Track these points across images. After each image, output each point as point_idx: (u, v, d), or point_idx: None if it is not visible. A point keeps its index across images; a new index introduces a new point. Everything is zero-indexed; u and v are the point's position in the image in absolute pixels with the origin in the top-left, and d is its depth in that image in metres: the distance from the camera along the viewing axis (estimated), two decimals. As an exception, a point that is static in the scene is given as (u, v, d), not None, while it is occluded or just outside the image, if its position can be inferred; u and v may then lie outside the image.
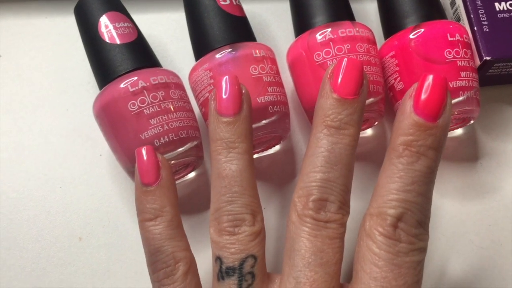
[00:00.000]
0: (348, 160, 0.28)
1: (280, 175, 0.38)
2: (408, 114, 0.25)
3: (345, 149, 0.27)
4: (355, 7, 0.38)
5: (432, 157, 0.25)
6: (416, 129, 0.25)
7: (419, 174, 0.25)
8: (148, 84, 0.33)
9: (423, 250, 0.26)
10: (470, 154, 0.39)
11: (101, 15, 0.35)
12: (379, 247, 0.25)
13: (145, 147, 0.30)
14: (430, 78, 0.25)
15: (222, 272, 0.28)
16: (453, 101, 0.34)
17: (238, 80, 0.30)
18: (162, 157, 0.31)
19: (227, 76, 0.30)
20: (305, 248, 0.27)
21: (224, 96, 0.29)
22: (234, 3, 0.36)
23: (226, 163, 0.29)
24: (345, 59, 0.28)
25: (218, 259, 0.28)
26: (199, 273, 0.30)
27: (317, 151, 0.28)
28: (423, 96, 0.25)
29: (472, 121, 0.37)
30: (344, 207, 0.28)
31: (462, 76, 0.34)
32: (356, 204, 0.35)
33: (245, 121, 0.29)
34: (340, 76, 0.28)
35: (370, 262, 0.25)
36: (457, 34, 0.35)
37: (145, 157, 0.30)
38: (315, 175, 0.27)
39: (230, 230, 0.28)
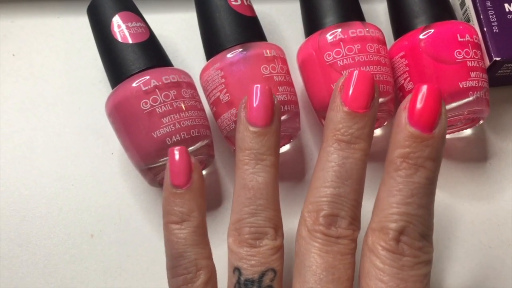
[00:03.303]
0: (359, 175, 0.27)
1: (290, 173, 0.38)
2: (403, 126, 0.25)
3: (356, 163, 0.27)
4: (365, 7, 0.38)
5: (430, 168, 0.25)
6: (412, 141, 0.25)
7: (419, 186, 0.25)
8: (160, 83, 0.33)
9: (428, 262, 0.26)
10: (479, 154, 0.39)
11: (113, 15, 0.35)
12: (383, 262, 0.25)
13: (178, 147, 0.30)
14: (424, 88, 0.25)
15: (240, 283, 0.27)
16: (463, 101, 0.34)
17: (271, 91, 0.29)
18: (195, 160, 0.30)
19: (259, 85, 0.29)
20: (316, 264, 0.26)
21: (256, 106, 0.29)
22: (245, 3, 0.36)
23: (253, 175, 0.28)
24: (356, 71, 0.28)
25: (236, 270, 0.28)
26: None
27: (328, 166, 0.27)
28: (418, 107, 0.25)
29: (481, 121, 0.37)
30: (355, 222, 0.27)
31: (471, 76, 0.34)
32: (367, 204, 0.36)
33: (275, 134, 0.29)
34: (351, 89, 0.27)
35: (375, 277, 0.25)
36: (467, 35, 0.35)
37: (177, 157, 0.29)
38: (326, 190, 0.27)
39: (251, 242, 0.28)
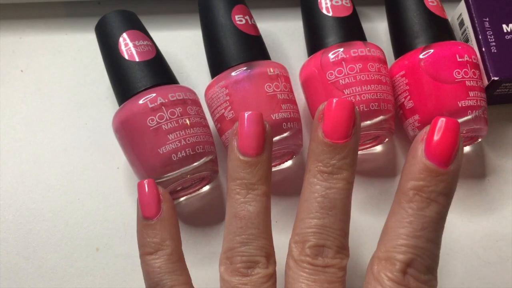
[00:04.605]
0: (343, 204, 0.27)
1: (293, 189, 0.39)
2: (419, 158, 0.25)
3: (339, 193, 0.27)
4: (366, 27, 0.39)
5: (443, 203, 0.25)
6: (427, 174, 0.25)
7: (429, 220, 0.25)
8: (166, 100, 0.34)
9: None
10: (478, 171, 0.40)
11: (121, 34, 0.36)
12: None
13: (146, 180, 0.31)
14: (442, 121, 0.25)
15: None
16: (462, 120, 0.35)
17: (262, 118, 0.29)
18: (164, 190, 0.31)
19: (251, 113, 0.29)
20: None
21: (247, 135, 0.29)
22: (250, 22, 0.37)
23: (244, 204, 0.28)
24: (335, 100, 0.27)
25: None
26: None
27: (311, 197, 0.27)
28: (435, 141, 0.25)
29: (480, 139, 0.38)
30: (342, 251, 0.27)
31: (470, 95, 0.35)
32: (366, 219, 0.36)
33: (266, 163, 0.29)
34: (330, 120, 0.27)
35: None
36: (465, 55, 0.36)
37: (146, 190, 0.30)
38: (310, 221, 0.27)
39: (243, 271, 0.28)
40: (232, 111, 0.35)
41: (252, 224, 0.28)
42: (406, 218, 0.25)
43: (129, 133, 0.34)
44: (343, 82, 0.35)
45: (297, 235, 0.28)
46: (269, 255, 0.29)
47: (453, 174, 0.25)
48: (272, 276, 0.28)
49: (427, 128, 0.25)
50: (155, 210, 0.30)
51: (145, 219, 0.30)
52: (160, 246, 0.29)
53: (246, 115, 0.29)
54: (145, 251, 0.30)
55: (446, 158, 0.24)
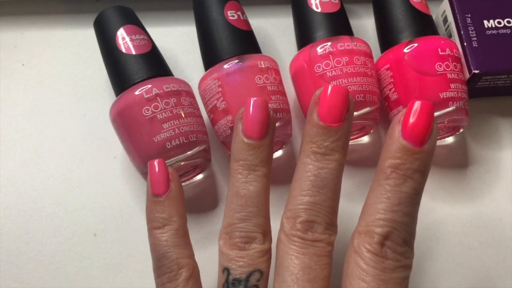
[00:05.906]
0: (333, 184, 0.29)
1: (283, 178, 0.40)
2: (396, 139, 0.26)
3: (330, 173, 0.28)
4: (353, 22, 0.40)
5: (418, 180, 0.26)
6: (403, 153, 0.26)
7: (405, 195, 0.26)
8: (161, 91, 0.35)
9: (408, 267, 0.27)
10: (460, 161, 0.41)
11: (118, 28, 0.37)
12: (367, 263, 0.26)
13: (157, 160, 0.32)
14: (418, 104, 0.26)
15: (229, 282, 0.29)
16: (443, 111, 0.36)
17: (267, 104, 0.31)
18: (172, 170, 0.32)
19: (256, 99, 0.30)
20: (293, 264, 0.28)
21: (252, 119, 0.30)
22: (242, 18, 0.38)
23: (245, 183, 0.30)
24: (330, 86, 0.29)
25: (225, 270, 0.29)
26: (205, 270, 0.32)
27: (304, 176, 0.29)
28: (411, 122, 0.26)
29: (461, 130, 0.40)
30: (330, 227, 0.29)
31: (451, 87, 0.36)
32: (354, 207, 0.37)
33: (268, 146, 0.30)
34: (325, 104, 0.28)
35: (358, 277, 0.26)
36: (447, 49, 0.37)
37: (156, 169, 0.32)
38: (302, 198, 0.28)
39: (241, 246, 0.29)
40: (224, 102, 0.36)
41: (251, 202, 0.30)
42: (384, 194, 0.26)
43: (125, 122, 0.35)
44: (330, 75, 0.36)
45: (289, 211, 0.29)
46: (266, 233, 0.30)
47: (427, 152, 0.26)
48: (268, 252, 0.30)
49: (404, 111, 0.26)
50: (164, 188, 0.32)
51: (154, 196, 0.32)
52: (168, 221, 0.31)
53: (252, 100, 0.30)
54: (153, 225, 0.31)
55: (421, 138, 0.26)
